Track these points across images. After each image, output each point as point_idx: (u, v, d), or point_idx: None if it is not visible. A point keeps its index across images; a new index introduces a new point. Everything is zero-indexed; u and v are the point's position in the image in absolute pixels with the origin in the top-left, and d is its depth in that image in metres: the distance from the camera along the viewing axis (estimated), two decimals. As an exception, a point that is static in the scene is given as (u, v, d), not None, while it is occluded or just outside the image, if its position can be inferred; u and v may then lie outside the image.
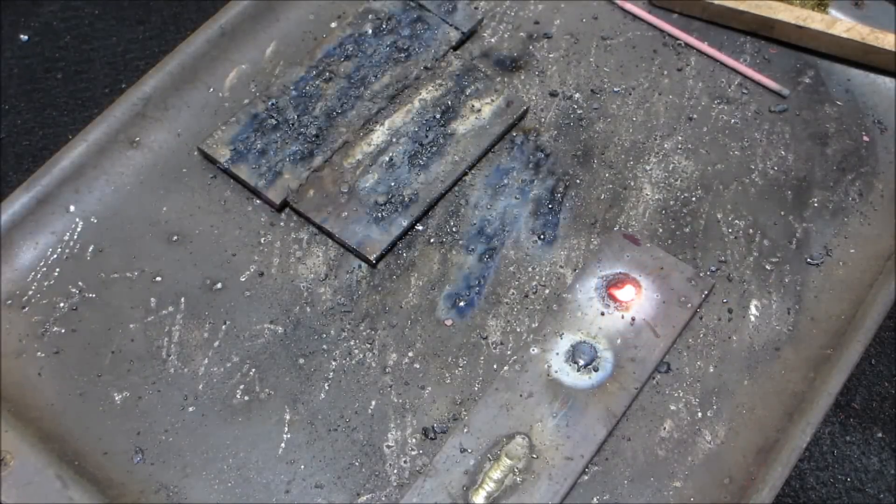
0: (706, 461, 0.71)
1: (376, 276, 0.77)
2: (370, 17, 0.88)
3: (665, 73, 0.88)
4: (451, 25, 0.88)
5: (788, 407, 0.72)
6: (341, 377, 0.73)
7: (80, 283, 0.76)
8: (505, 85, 0.86)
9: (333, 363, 0.74)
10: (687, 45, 0.90)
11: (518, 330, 0.75)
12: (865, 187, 0.83)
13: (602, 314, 0.74)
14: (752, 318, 0.76)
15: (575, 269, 0.78)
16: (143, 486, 0.68)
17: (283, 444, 0.70)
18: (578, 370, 0.72)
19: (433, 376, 0.73)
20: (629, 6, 0.92)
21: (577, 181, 0.82)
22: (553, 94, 0.87)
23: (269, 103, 0.83)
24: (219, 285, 0.77)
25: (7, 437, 0.67)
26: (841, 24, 0.87)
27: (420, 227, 0.80)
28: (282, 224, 0.80)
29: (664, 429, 0.72)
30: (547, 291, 0.77)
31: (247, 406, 0.72)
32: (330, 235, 0.78)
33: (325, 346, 0.74)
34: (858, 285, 0.78)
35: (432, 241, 0.79)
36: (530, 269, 0.78)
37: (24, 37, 0.92)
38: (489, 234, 0.79)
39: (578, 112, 0.86)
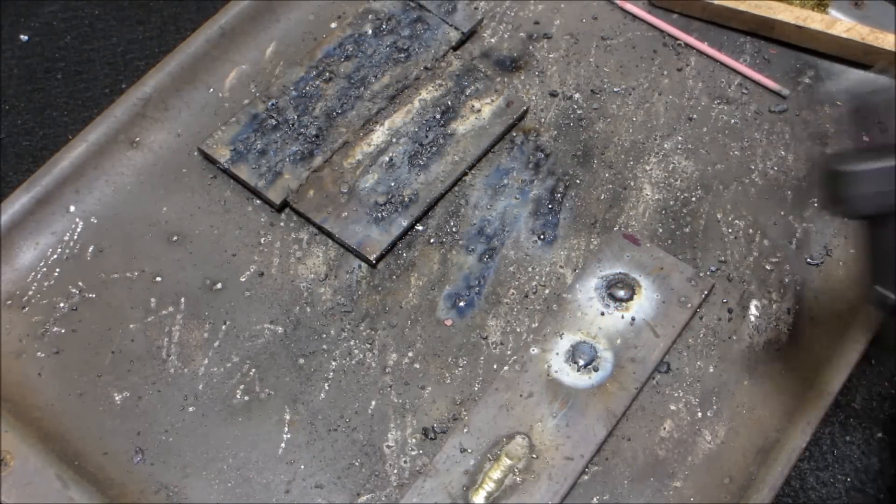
0: (706, 461, 0.71)
1: (376, 277, 0.77)
2: (370, 17, 0.88)
3: (665, 73, 0.88)
4: (451, 26, 0.88)
5: (788, 407, 0.72)
6: (341, 377, 0.73)
7: (80, 284, 0.76)
8: (505, 85, 0.86)
9: (333, 363, 0.74)
10: (687, 45, 0.90)
11: (518, 330, 0.75)
12: None
13: (602, 314, 0.74)
14: (752, 318, 0.76)
15: (575, 269, 0.78)
16: (144, 487, 0.68)
17: (283, 445, 0.70)
18: (578, 370, 0.72)
19: (433, 376, 0.73)
20: (629, 6, 0.92)
21: (577, 181, 0.82)
22: (553, 95, 0.87)
23: (269, 103, 0.83)
24: (219, 285, 0.77)
25: (7, 437, 0.67)
26: (841, 25, 0.87)
27: (420, 227, 0.80)
28: (282, 224, 0.80)
29: (664, 429, 0.72)
30: (547, 291, 0.77)
31: (247, 406, 0.72)
32: (330, 235, 0.78)
33: (325, 346, 0.74)
34: (858, 285, 0.78)
35: (432, 241, 0.79)
36: (530, 269, 0.78)
37: (24, 37, 0.92)
38: (489, 234, 0.79)
39: (578, 112, 0.86)
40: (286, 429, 0.71)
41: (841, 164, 0.56)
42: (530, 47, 0.90)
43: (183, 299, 0.76)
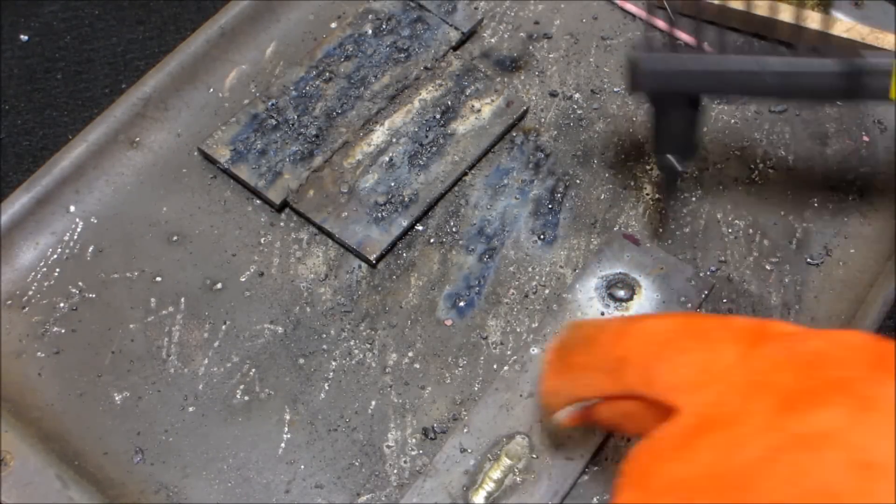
0: (706, 461, 0.70)
1: (376, 277, 0.77)
2: (370, 17, 0.88)
3: (665, 73, 0.88)
4: (450, 25, 0.88)
5: (788, 407, 0.72)
6: (341, 377, 0.73)
7: (80, 284, 0.76)
8: (505, 85, 0.86)
9: (333, 363, 0.74)
10: (687, 45, 0.90)
11: (518, 330, 0.75)
12: (865, 187, 0.83)
13: (602, 314, 0.74)
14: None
15: (575, 269, 0.78)
16: (143, 487, 0.68)
17: (283, 445, 0.70)
18: (578, 370, 0.72)
19: (433, 376, 0.73)
20: (629, 6, 0.92)
21: (577, 181, 0.82)
22: (553, 95, 0.87)
23: (269, 103, 0.83)
24: (219, 285, 0.77)
25: (7, 437, 0.67)
26: (841, 25, 0.87)
27: (420, 227, 0.80)
28: (282, 224, 0.80)
29: (664, 429, 0.72)
30: (547, 291, 0.77)
31: (247, 406, 0.72)
32: (330, 236, 0.78)
33: (325, 347, 0.74)
34: (858, 285, 0.78)
35: (432, 241, 0.79)
36: (530, 269, 0.78)
37: (24, 37, 0.91)
38: (489, 234, 0.79)
39: (578, 112, 0.86)
40: (286, 429, 0.71)
41: (634, 52, 0.69)
42: (530, 47, 0.90)
43: (183, 299, 0.76)
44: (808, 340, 0.46)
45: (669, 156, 0.73)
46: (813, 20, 0.87)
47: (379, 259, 0.77)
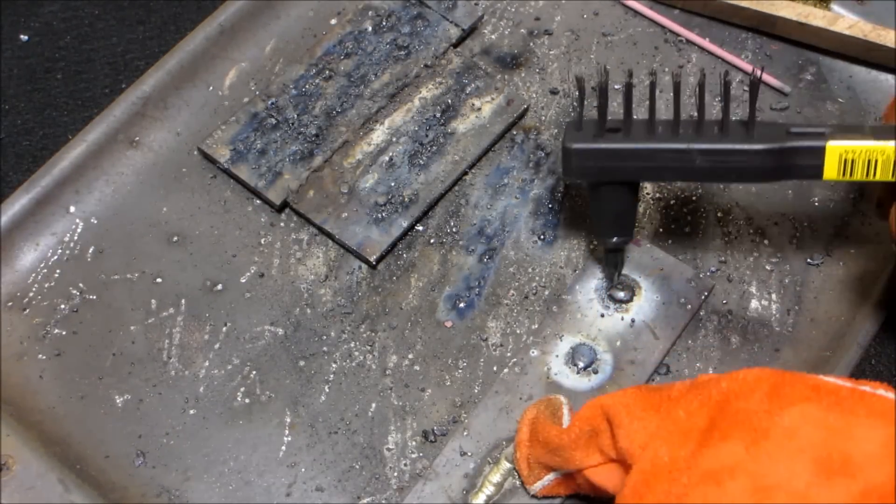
0: (705, 463, 0.71)
1: (376, 278, 0.78)
2: (370, 13, 0.88)
3: (666, 69, 0.88)
4: (451, 22, 0.88)
5: (788, 409, 0.72)
6: (342, 379, 0.73)
7: (80, 285, 0.76)
8: (505, 83, 0.85)
9: (334, 365, 0.74)
10: (688, 41, 0.90)
11: (518, 332, 0.75)
12: (866, 187, 0.83)
13: (602, 316, 0.74)
14: (752, 319, 0.76)
15: (575, 270, 0.78)
16: (145, 490, 0.69)
17: (283, 447, 0.71)
18: (578, 372, 0.72)
19: (433, 378, 0.73)
20: (630, 2, 0.91)
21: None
22: (553, 92, 0.87)
23: (269, 102, 0.83)
24: (219, 286, 0.77)
25: (8, 441, 0.67)
26: (843, 21, 0.86)
27: (420, 228, 0.80)
28: (282, 225, 0.80)
29: (663, 431, 0.72)
30: (547, 292, 0.77)
31: (247, 409, 0.72)
32: (330, 236, 0.78)
33: (325, 348, 0.74)
34: (858, 285, 0.78)
35: (432, 241, 0.79)
36: (530, 269, 0.78)
37: (24, 37, 0.91)
38: (489, 234, 0.79)
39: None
40: (287, 431, 0.71)
41: (566, 141, 0.67)
42: (531, 44, 0.90)
43: (183, 301, 0.76)
44: (719, 382, 0.53)
45: (611, 238, 0.70)
46: (815, 17, 0.86)
47: (379, 260, 0.77)
